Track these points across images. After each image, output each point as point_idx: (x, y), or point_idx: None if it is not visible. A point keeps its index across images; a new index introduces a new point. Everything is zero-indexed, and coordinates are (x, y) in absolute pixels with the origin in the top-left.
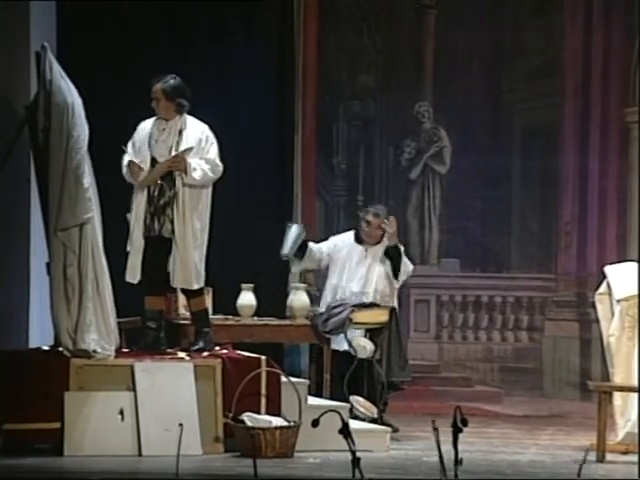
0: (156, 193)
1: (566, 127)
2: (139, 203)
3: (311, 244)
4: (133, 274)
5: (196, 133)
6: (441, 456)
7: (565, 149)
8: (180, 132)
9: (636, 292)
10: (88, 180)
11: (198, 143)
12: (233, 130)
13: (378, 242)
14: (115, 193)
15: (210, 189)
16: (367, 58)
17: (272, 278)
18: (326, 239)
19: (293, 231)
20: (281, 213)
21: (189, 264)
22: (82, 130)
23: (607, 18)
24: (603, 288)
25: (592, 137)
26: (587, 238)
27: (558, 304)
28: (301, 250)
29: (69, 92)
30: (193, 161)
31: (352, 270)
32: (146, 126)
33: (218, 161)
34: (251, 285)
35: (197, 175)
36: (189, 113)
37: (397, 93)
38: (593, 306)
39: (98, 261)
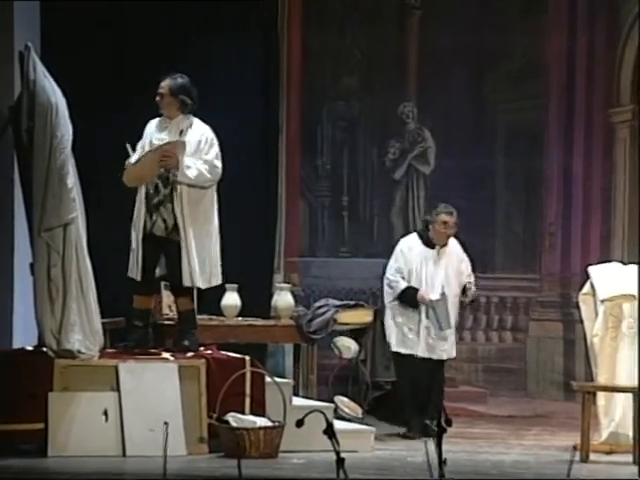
0: (151, 191)
1: (550, 128)
2: (139, 200)
3: (403, 282)
4: (135, 271)
5: (196, 134)
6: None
7: (549, 150)
8: (181, 132)
9: (619, 292)
10: (72, 180)
11: (197, 144)
12: (218, 132)
13: (445, 243)
14: (102, 193)
15: (214, 189)
16: (351, 59)
17: (256, 278)
18: (312, 239)
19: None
20: (266, 214)
21: (192, 263)
22: (66, 130)
23: (591, 20)
24: (587, 288)
25: (576, 138)
26: (571, 239)
27: (542, 304)
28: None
29: (53, 92)
30: (189, 160)
31: (430, 275)
32: (151, 124)
33: (217, 163)
34: (235, 285)
35: (191, 174)
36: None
37: (381, 94)
38: (577, 306)
39: (82, 261)
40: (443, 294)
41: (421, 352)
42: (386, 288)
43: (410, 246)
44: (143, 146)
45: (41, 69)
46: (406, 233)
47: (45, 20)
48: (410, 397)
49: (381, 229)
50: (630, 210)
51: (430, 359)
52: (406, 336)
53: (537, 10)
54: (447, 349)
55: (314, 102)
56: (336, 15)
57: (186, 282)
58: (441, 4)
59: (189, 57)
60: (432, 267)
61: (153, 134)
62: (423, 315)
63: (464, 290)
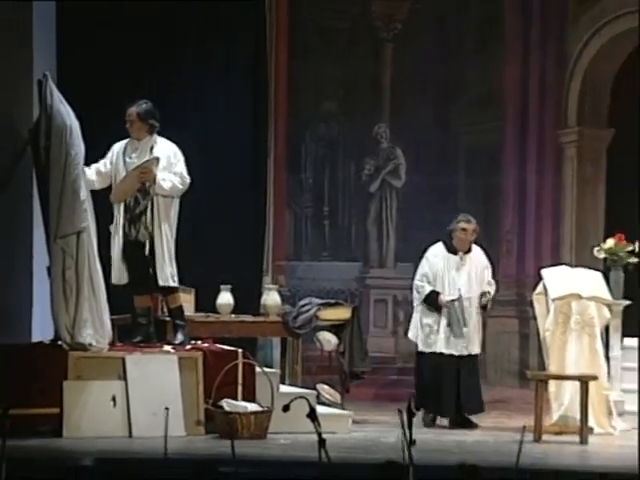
0: (132, 203)
1: (506, 147)
2: (118, 213)
3: (428, 286)
4: (117, 277)
5: (165, 150)
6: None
7: (506, 166)
8: (151, 149)
9: (568, 292)
10: (84, 193)
11: (167, 159)
12: (215, 152)
13: (469, 250)
14: (109, 205)
15: (177, 201)
16: (331, 86)
17: (248, 280)
18: (297, 245)
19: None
20: (256, 223)
21: (167, 265)
22: (79, 149)
23: (542, 51)
24: (540, 289)
25: (529, 156)
26: (525, 245)
27: (500, 303)
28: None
29: (67, 115)
30: (163, 174)
31: (453, 279)
32: (119, 147)
33: (185, 174)
34: (229, 286)
35: (166, 186)
36: (161, 134)
37: (358, 116)
38: (531, 305)
39: (93, 265)
40: (460, 297)
41: (440, 348)
42: (414, 293)
43: (435, 253)
44: (116, 165)
45: (57, 95)
46: (381, 240)
47: (61, 51)
48: (426, 390)
49: (358, 236)
50: (577, 220)
51: (452, 355)
52: (428, 336)
53: (494, 43)
54: (467, 346)
55: (298, 124)
56: (318, 47)
57: (165, 282)
58: (411, 38)
59: (188, 87)
60: (454, 272)
61: (125, 155)
62: (444, 315)
63: (482, 296)
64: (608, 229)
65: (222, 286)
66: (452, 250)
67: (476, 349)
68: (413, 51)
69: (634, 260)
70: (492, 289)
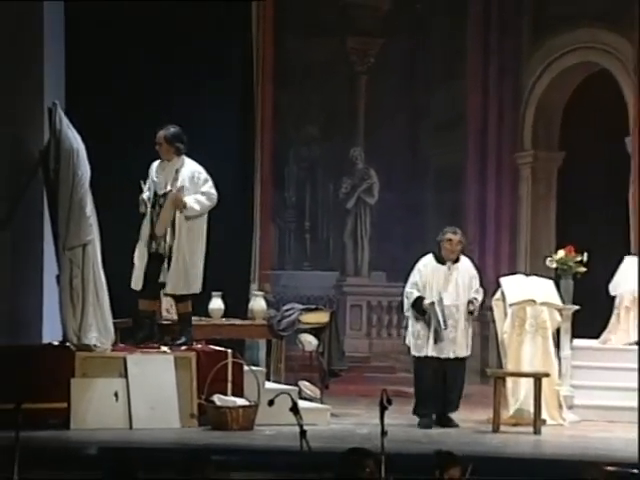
0: (155, 219)
1: (469, 168)
2: (144, 227)
3: (416, 293)
4: (137, 283)
5: (189, 172)
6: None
7: (468, 185)
8: (177, 171)
9: (524, 298)
10: (90, 209)
11: (191, 180)
12: (208, 171)
13: (457, 260)
14: (118, 221)
15: (203, 218)
16: (312, 113)
17: (237, 287)
18: (281, 256)
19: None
20: (244, 236)
21: (179, 275)
22: (85, 170)
23: (500, 82)
24: (498, 295)
25: (489, 176)
26: (485, 255)
27: None
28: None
29: (75, 140)
30: (190, 198)
31: (441, 287)
32: (153, 166)
33: (213, 190)
34: (220, 293)
35: (197, 207)
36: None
37: (336, 140)
38: (490, 310)
39: (98, 274)
40: (440, 300)
41: (427, 351)
42: (404, 300)
43: (425, 263)
44: (148, 184)
45: (65, 121)
46: (356, 251)
47: (70, 81)
48: (424, 393)
49: (336, 248)
50: (532, 233)
51: (439, 358)
52: (417, 341)
53: (458, 75)
54: (454, 349)
55: (282, 147)
56: (300, 77)
57: (174, 290)
58: (383, 70)
59: (187, 112)
60: (442, 281)
61: (154, 174)
62: (433, 321)
63: (469, 303)
64: (559, 241)
65: (213, 293)
66: (441, 260)
67: (464, 352)
68: (385, 82)
69: (582, 269)
70: (479, 296)
